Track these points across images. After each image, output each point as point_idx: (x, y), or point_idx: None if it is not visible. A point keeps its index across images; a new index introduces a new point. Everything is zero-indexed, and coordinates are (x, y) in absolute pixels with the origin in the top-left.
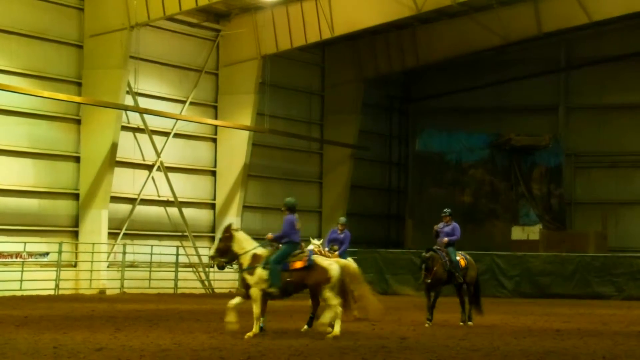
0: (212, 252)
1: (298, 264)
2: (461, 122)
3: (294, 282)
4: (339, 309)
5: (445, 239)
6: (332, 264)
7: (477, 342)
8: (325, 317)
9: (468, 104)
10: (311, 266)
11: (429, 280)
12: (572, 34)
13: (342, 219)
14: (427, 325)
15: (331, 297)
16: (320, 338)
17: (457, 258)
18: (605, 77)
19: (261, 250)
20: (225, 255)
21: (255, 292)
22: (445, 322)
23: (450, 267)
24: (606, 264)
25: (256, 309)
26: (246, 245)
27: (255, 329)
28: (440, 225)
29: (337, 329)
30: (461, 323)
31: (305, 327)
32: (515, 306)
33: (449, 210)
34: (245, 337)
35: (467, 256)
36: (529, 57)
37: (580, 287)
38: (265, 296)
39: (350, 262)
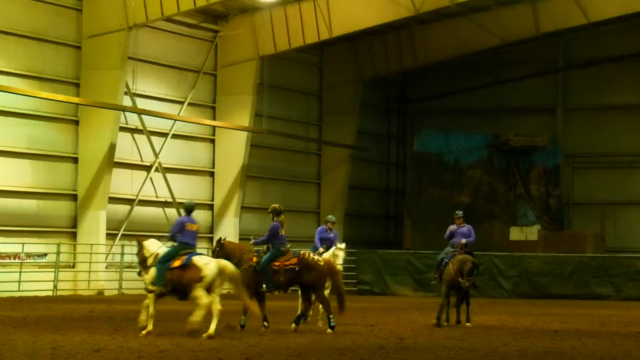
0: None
1: (176, 263)
2: (459, 123)
3: (173, 281)
4: (211, 308)
5: (464, 241)
6: (209, 264)
7: (475, 343)
8: (195, 315)
9: (466, 104)
10: (187, 265)
11: (468, 284)
12: (569, 35)
13: (332, 217)
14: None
15: (201, 296)
16: (318, 339)
17: None
18: (603, 77)
19: (163, 250)
20: (144, 262)
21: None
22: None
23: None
24: (604, 264)
25: (150, 307)
26: (152, 248)
27: (150, 327)
28: (454, 226)
29: (212, 328)
30: (467, 324)
31: (293, 325)
32: (514, 307)
33: (461, 212)
34: (141, 335)
35: None
36: (526, 57)
37: (579, 288)
38: (158, 295)
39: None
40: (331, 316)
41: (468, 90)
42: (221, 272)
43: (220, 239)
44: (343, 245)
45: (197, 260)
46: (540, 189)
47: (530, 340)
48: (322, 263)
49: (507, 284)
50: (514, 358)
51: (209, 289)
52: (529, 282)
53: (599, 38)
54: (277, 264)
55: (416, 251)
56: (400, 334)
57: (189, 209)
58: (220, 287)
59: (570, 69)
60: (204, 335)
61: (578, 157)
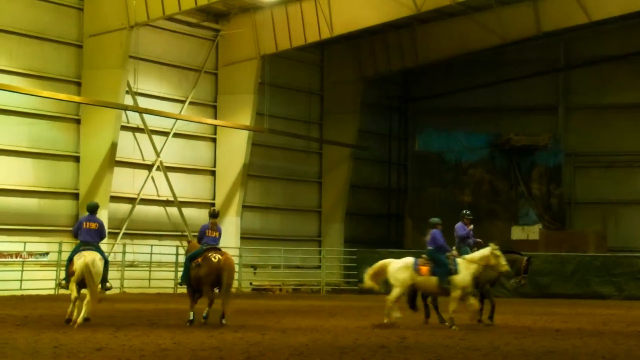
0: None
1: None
2: (460, 122)
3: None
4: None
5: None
6: (79, 259)
7: (477, 342)
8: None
9: (467, 103)
10: (69, 260)
11: (524, 282)
12: (571, 34)
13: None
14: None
15: (72, 289)
16: (319, 338)
17: None
18: (604, 76)
19: None
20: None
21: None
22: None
23: None
24: (606, 263)
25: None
26: None
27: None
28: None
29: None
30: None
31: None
32: (515, 306)
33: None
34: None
35: None
36: (528, 57)
37: (580, 287)
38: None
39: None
40: (207, 309)
41: (469, 89)
42: (87, 267)
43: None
44: (495, 246)
45: (75, 256)
46: (541, 188)
47: (532, 339)
48: (214, 260)
49: (509, 283)
50: (516, 357)
51: (82, 283)
52: (530, 281)
53: (601, 37)
54: (197, 261)
55: (418, 250)
56: (402, 333)
57: (90, 209)
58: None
59: (572, 68)
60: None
61: (579, 156)
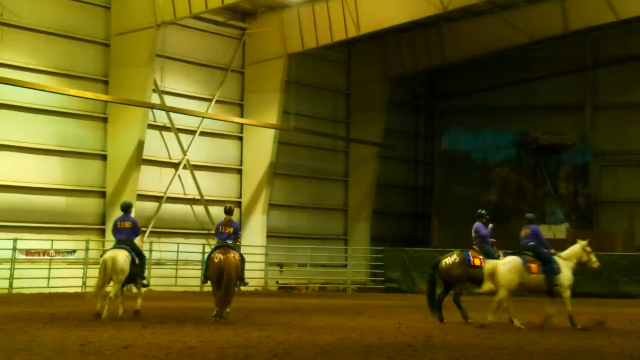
0: None
1: None
2: (487, 121)
3: None
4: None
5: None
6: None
7: (503, 341)
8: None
9: (494, 102)
10: None
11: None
12: (598, 32)
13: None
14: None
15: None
16: (345, 336)
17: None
18: (632, 75)
19: None
20: None
21: None
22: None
23: None
24: (633, 263)
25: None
26: None
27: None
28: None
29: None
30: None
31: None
32: (541, 305)
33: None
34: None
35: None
36: (555, 55)
37: (607, 286)
38: None
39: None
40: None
41: (496, 87)
42: (106, 264)
43: None
44: (584, 242)
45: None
46: (568, 187)
47: (558, 338)
48: (216, 260)
49: None
50: (542, 356)
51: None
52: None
53: (628, 35)
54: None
55: (444, 249)
56: (428, 332)
57: (123, 208)
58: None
59: (599, 67)
60: None
61: (607, 155)
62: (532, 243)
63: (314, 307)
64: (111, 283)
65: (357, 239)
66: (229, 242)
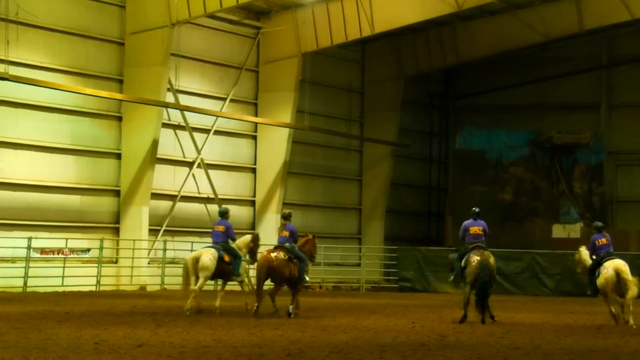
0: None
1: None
2: (502, 120)
3: None
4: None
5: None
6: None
7: (518, 341)
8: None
9: (509, 101)
10: None
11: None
12: (614, 31)
13: None
14: None
15: (191, 282)
16: (359, 335)
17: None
18: None
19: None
20: None
21: None
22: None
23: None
24: None
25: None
26: None
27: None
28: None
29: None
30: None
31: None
32: (556, 304)
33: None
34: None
35: None
36: (570, 54)
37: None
38: None
39: None
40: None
41: (511, 87)
42: (189, 262)
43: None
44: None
45: None
46: (583, 187)
47: (573, 338)
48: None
49: (550, 281)
50: (557, 356)
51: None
52: (571, 279)
53: None
54: None
55: (458, 248)
56: (442, 331)
57: (219, 213)
58: (196, 273)
59: (615, 66)
60: None
61: (622, 155)
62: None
63: (328, 306)
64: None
65: (371, 238)
66: (287, 245)
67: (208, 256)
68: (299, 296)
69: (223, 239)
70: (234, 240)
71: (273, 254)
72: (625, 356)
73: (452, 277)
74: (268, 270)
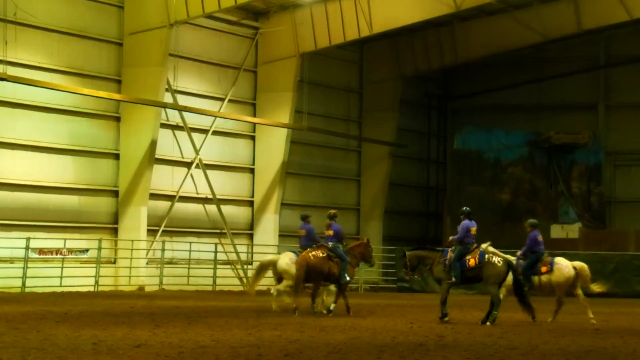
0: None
1: None
2: (500, 120)
3: None
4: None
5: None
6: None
7: (516, 341)
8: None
9: (507, 101)
10: None
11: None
12: (612, 32)
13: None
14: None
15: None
16: (358, 336)
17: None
18: None
19: None
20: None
21: None
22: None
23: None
24: None
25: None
26: None
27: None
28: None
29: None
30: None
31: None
32: (554, 305)
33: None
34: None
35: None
36: (568, 54)
37: (620, 286)
38: None
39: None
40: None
41: (509, 87)
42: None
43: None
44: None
45: None
46: (581, 187)
47: (571, 338)
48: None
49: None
50: (555, 356)
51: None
52: None
53: None
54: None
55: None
56: (441, 332)
57: (301, 218)
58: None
59: (612, 66)
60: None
61: (620, 155)
62: None
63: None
64: (283, 282)
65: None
66: (329, 243)
67: (285, 260)
68: (349, 298)
69: (307, 243)
70: (313, 241)
71: (312, 253)
72: (623, 356)
73: (453, 279)
74: (307, 269)
